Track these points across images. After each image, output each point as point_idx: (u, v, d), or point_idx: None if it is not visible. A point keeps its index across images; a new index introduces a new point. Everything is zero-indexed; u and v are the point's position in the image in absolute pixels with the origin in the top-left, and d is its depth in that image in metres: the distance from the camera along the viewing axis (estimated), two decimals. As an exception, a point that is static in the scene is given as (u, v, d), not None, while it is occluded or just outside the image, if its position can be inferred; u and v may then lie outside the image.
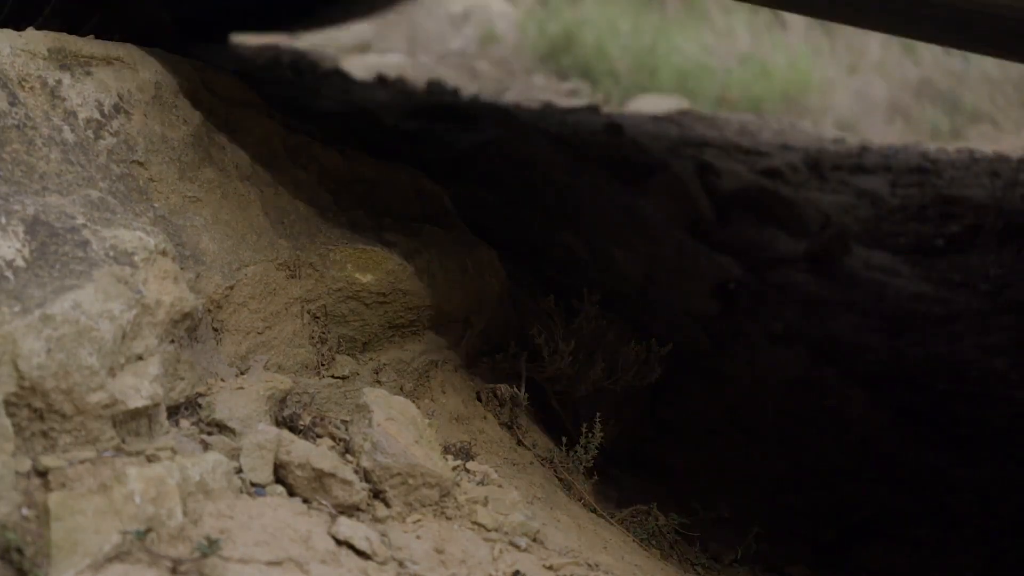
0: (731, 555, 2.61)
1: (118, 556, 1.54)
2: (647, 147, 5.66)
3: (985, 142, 7.55)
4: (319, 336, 2.29)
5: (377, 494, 1.87)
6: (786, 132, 7.42)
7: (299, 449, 1.82)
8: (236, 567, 1.58)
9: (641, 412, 3.16)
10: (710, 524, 2.66)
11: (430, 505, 1.91)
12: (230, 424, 1.88)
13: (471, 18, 9.59)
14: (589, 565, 2.04)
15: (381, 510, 1.85)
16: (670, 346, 2.81)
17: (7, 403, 1.59)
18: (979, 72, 8.35)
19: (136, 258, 1.78)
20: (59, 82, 2.03)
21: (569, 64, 9.00)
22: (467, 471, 2.13)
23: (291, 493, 1.80)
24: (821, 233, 5.38)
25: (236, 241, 2.18)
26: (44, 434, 1.62)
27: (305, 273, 2.28)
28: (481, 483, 2.08)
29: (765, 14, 9.21)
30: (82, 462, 1.61)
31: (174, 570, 1.55)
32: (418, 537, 1.83)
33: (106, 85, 2.10)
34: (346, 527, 1.74)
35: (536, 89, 8.50)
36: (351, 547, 1.72)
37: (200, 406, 1.90)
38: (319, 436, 1.96)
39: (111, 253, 1.76)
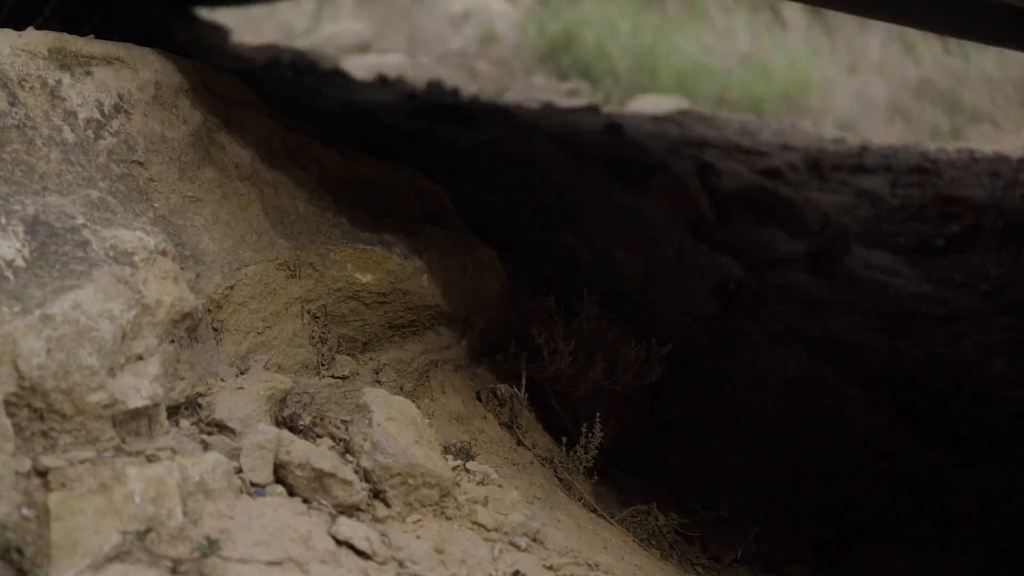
0: (731, 555, 2.61)
1: (118, 556, 1.54)
2: (647, 147, 5.66)
3: (985, 142, 7.55)
4: (319, 336, 2.29)
5: (377, 494, 1.87)
6: (786, 132, 7.42)
7: (299, 449, 1.82)
8: (236, 567, 1.58)
9: (641, 412, 3.16)
10: (710, 524, 2.66)
11: (430, 505, 1.91)
12: (230, 424, 1.88)
13: (471, 18, 9.59)
14: (589, 565, 2.04)
15: (381, 510, 1.85)
16: (670, 346, 2.81)
17: (7, 403, 1.59)
18: (979, 72, 8.35)
19: (136, 258, 1.78)
20: (59, 82, 2.03)
21: (569, 64, 9.00)
22: (467, 471, 2.13)
23: (291, 493, 1.80)
24: (821, 233, 5.38)
25: (236, 241, 2.18)
26: (44, 434, 1.62)
27: (305, 273, 2.28)
28: (481, 483, 2.08)
29: (765, 14, 9.21)
30: (82, 462, 1.61)
31: (174, 570, 1.55)
32: (418, 537, 1.83)
33: (106, 85, 2.10)
34: (346, 527, 1.74)
35: (536, 89, 8.50)
36: (351, 547, 1.72)
37: (200, 406, 1.90)
38: (319, 436, 1.96)
39: (111, 253, 1.76)
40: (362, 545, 1.73)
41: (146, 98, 2.15)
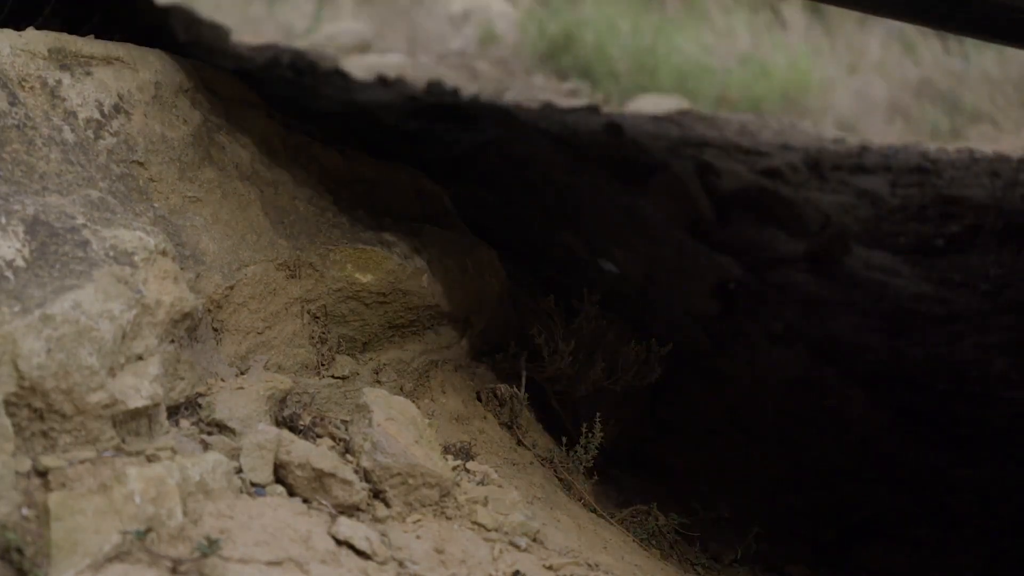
0: (731, 555, 2.61)
1: (118, 556, 1.54)
2: (647, 147, 5.66)
3: (985, 142, 7.55)
4: (319, 336, 2.29)
5: (377, 494, 1.87)
6: (786, 132, 7.42)
7: (299, 449, 1.82)
8: (236, 567, 1.58)
9: (641, 412, 3.16)
10: (710, 524, 2.66)
11: (430, 505, 1.91)
12: (230, 424, 1.88)
13: (471, 18, 9.59)
14: (589, 565, 2.04)
15: (381, 510, 1.85)
16: (670, 346, 2.81)
17: (7, 403, 1.59)
18: (979, 72, 8.35)
19: (136, 258, 1.78)
20: (59, 82, 2.03)
21: (569, 64, 9.00)
22: (467, 471, 2.13)
23: (291, 493, 1.80)
24: (821, 233, 5.38)
25: (236, 241, 2.18)
26: (44, 434, 1.62)
27: (305, 273, 2.27)
28: (481, 483, 2.08)
29: (765, 14, 9.21)
30: (82, 462, 1.61)
31: (174, 570, 1.55)
32: (418, 537, 1.83)
33: (106, 85, 2.09)
34: (346, 527, 1.74)
35: (536, 89, 8.50)
36: (351, 547, 1.72)
37: (200, 406, 1.90)
38: (319, 436, 1.96)
39: (111, 253, 1.76)
40: (362, 545, 1.73)
41: (146, 98, 2.15)
